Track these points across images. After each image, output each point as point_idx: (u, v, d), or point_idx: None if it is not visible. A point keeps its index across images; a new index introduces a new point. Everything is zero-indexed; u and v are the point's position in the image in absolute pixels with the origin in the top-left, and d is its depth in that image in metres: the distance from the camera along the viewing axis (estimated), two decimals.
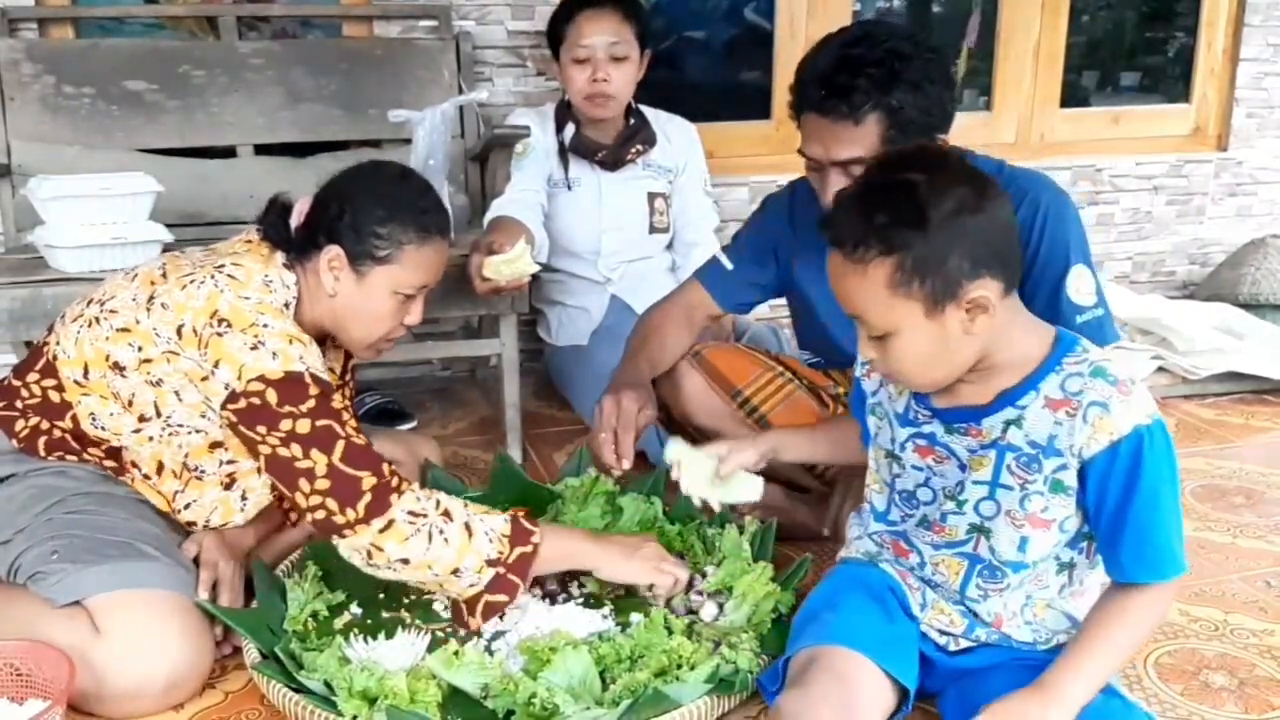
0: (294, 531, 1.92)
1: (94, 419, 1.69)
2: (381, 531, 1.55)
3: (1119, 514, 1.28)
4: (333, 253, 1.69)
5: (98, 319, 1.68)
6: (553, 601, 1.74)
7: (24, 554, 1.60)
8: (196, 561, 1.70)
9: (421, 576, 1.60)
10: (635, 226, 2.79)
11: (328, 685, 1.47)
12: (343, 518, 1.55)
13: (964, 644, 1.44)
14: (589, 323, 2.77)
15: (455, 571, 1.58)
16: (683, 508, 2.01)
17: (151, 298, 1.65)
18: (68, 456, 1.71)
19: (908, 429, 1.44)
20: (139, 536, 1.63)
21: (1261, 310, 3.34)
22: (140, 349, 1.64)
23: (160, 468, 1.72)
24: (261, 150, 2.77)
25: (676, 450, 1.68)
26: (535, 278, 2.23)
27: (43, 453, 1.70)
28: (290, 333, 1.62)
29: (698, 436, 2.23)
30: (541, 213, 2.58)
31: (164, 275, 1.67)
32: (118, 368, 1.66)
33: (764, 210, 2.10)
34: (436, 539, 1.56)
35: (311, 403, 1.58)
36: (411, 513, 1.57)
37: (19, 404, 1.72)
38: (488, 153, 2.65)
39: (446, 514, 1.59)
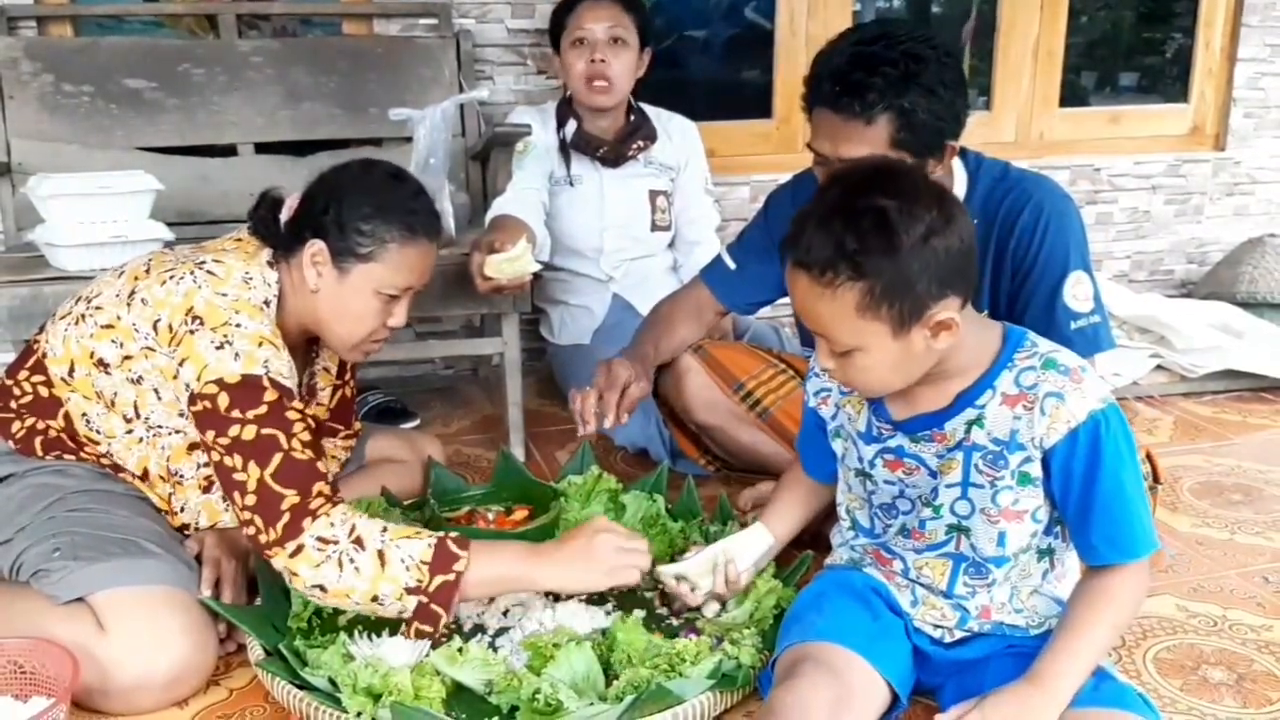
0: None
1: (86, 420, 1.69)
2: (292, 556, 1.50)
3: (1085, 499, 1.31)
4: (315, 247, 1.66)
5: (84, 316, 1.68)
6: (556, 598, 1.74)
7: (26, 552, 1.60)
8: (198, 559, 1.71)
9: (344, 604, 1.54)
10: (637, 224, 2.80)
11: (332, 682, 1.47)
12: (265, 536, 1.51)
13: (959, 635, 1.45)
14: (591, 321, 2.78)
15: (375, 599, 1.51)
16: (685, 504, 2.02)
17: (133, 293, 1.65)
18: (65, 455, 1.71)
19: (874, 446, 1.46)
20: (141, 533, 1.63)
21: (1259, 308, 3.35)
22: (122, 345, 1.64)
23: (146, 474, 1.72)
24: (262, 149, 2.77)
25: (669, 572, 1.66)
26: (537, 276, 2.24)
27: (40, 452, 1.70)
28: (262, 334, 1.59)
29: (697, 432, 2.25)
30: (543, 211, 2.58)
31: (147, 271, 1.67)
32: (102, 365, 1.65)
33: (767, 207, 2.10)
34: (347, 568, 1.50)
35: (263, 409, 1.54)
36: (321, 539, 1.50)
37: (13, 404, 1.72)
38: (489, 151, 2.65)
39: (359, 541, 1.51)
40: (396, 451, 2.14)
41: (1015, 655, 1.39)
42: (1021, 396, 1.32)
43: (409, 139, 2.40)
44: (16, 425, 1.71)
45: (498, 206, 2.49)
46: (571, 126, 2.72)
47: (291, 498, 1.52)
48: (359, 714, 1.40)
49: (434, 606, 1.52)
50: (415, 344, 2.91)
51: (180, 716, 1.54)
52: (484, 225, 2.45)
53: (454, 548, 1.54)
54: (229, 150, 2.77)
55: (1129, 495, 1.30)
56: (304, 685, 1.48)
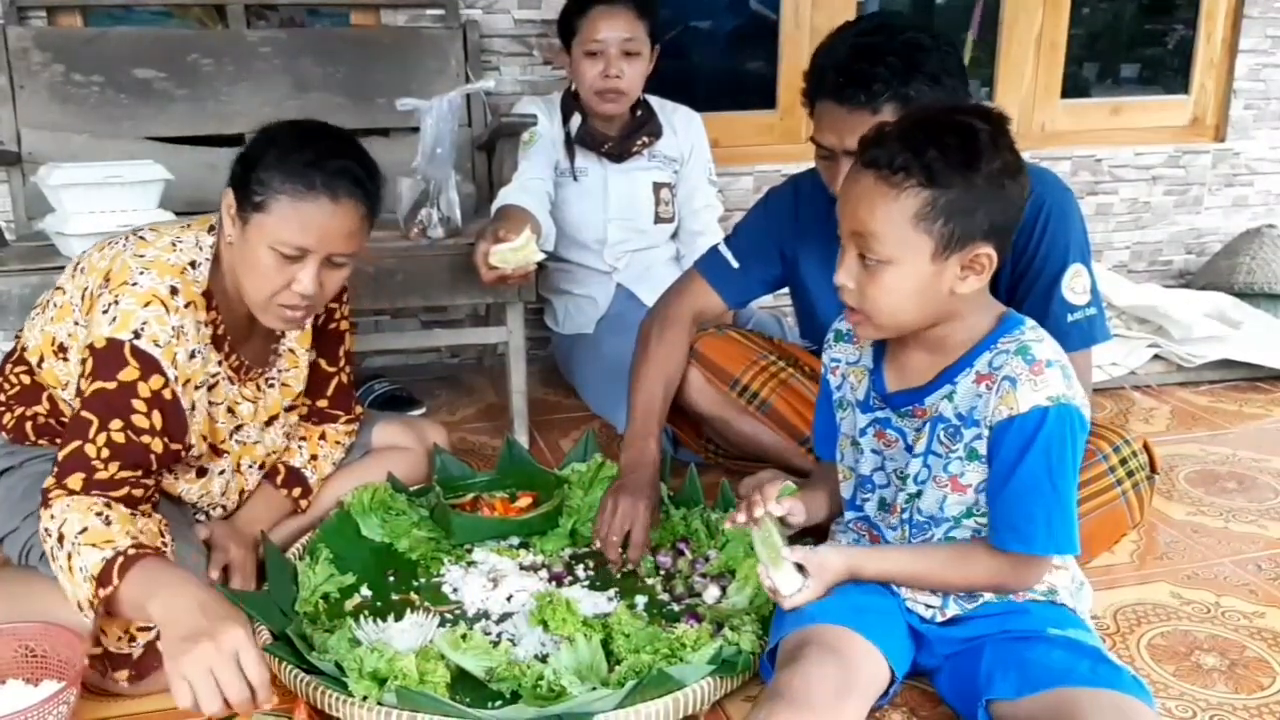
0: (304, 517, 1.95)
1: (70, 405, 1.69)
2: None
3: (1001, 484, 1.36)
4: (229, 198, 1.61)
5: (49, 303, 1.69)
6: (559, 583, 1.77)
7: (34, 536, 1.59)
8: (207, 544, 1.72)
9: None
10: (641, 216, 2.81)
11: (338, 666, 1.49)
12: None
13: (949, 614, 1.48)
14: (595, 311, 2.79)
15: (79, 604, 1.42)
16: (686, 493, 2.05)
17: (78, 265, 1.66)
18: (56, 440, 1.70)
19: (868, 415, 1.52)
20: None
21: (1256, 299, 3.37)
22: (66, 323, 1.65)
23: None
24: None
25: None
26: (541, 266, 2.25)
27: (33, 437, 1.71)
28: (156, 292, 1.54)
29: (698, 422, 2.26)
30: (548, 201, 2.59)
31: (99, 246, 1.68)
32: (62, 351, 1.65)
33: (766, 205, 2.10)
34: (54, 564, 1.45)
35: (112, 385, 1.51)
36: (46, 530, 1.46)
37: (2, 396, 1.73)
38: (495, 141, 2.67)
39: (60, 538, 1.43)
40: (402, 439, 2.15)
41: (1010, 639, 1.41)
42: (988, 376, 1.37)
43: (416, 129, 2.41)
44: (7, 416, 1.72)
45: (503, 196, 2.50)
46: (576, 121, 2.72)
47: (48, 481, 1.50)
48: (365, 698, 1.42)
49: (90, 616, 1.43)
50: (421, 333, 2.94)
51: None
52: (489, 215, 2.46)
53: (115, 576, 1.38)
54: (237, 140, 2.77)
55: (1043, 491, 1.34)
56: (310, 669, 1.50)
